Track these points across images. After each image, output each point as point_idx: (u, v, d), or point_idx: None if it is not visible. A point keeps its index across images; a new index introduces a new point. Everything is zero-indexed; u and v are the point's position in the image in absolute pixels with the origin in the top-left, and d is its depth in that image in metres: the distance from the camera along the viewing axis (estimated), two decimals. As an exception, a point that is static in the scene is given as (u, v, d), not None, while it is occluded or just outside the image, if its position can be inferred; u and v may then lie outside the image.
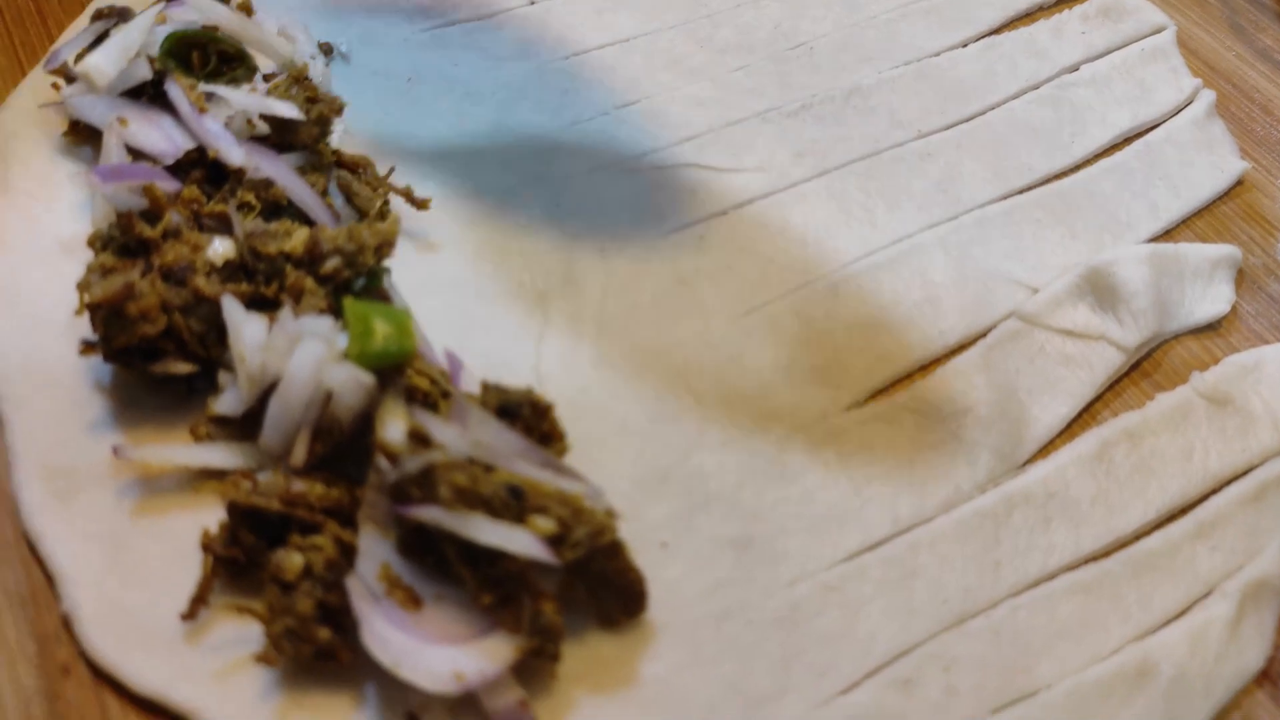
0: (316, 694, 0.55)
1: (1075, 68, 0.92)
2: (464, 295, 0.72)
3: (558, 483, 0.56)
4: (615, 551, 0.57)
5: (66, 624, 0.57)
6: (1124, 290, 0.74)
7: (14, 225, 0.71)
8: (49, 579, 0.58)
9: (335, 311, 0.61)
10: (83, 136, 0.74)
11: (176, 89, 0.69)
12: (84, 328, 0.63)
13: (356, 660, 0.54)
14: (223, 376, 0.61)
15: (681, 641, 0.58)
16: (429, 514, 0.53)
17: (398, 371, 0.58)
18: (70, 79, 0.73)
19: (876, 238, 0.78)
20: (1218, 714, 0.59)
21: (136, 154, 0.69)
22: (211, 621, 0.56)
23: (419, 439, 0.56)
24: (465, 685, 0.52)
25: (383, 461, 0.55)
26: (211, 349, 0.62)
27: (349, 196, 0.72)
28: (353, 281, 0.63)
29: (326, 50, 0.82)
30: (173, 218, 0.63)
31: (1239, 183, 0.86)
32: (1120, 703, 0.58)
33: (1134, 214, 0.82)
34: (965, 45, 0.94)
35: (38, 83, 0.78)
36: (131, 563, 0.58)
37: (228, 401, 0.60)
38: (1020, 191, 0.83)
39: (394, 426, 0.56)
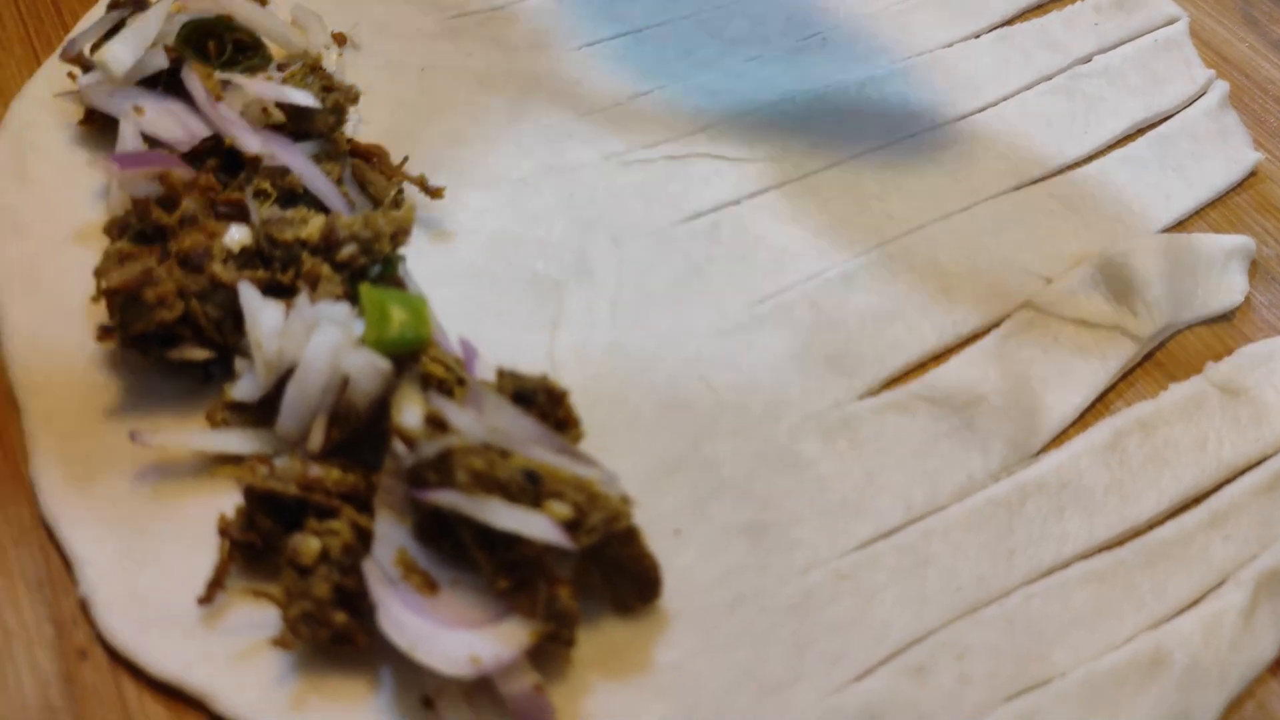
0: (333, 678, 0.55)
1: (1088, 59, 0.92)
2: (478, 284, 0.72)
3: (573, 468, 0.56)
4: (630, 537, 0.57)
5: (84, 608, 0.57)
6: (1138, 280, 0.74)
7: (31, 213, 0.71)
8: (66, 563, 0.58)
9: (351, 299, 0.61)
10: (98, 125, 0.74)
11: (193, 77, 0.69)
12: (100, 314, 0.64)
13: (372, 644, 0.54)
14: (239, 363, 0.61)
15: (695, 628, 0.59)
16: (446, 498, 0.53)
17: (413, 358, 0.59)
18: (86, 68, 0.73)
19: (890, 228, 0.78)
20: (1231, 703, 0.59)
21: (152, 142, 0.69)
22: (228, 606, 0.57)
23: (435, 424, 0.56)
24: (481, 669, 0.52)
25: (399, 446, 0.55)
26: (228, 335, 0.62)
27: (363, 185, 0.72)
28: (368, 269, 0.64)
29: (340, 40, 0.82)
30: (189, 205, 0.63)
31: (1252, 174, 0.86)
32: (1134, 691, 0.58)
33: (1147, 204, 0.82)
34: (978, 36, 0.93)
35: (53, 72, 0.78)
36: (148, 547, 0.58)
37: (244, 387, 0.60)
38: (1034, 182, 0.83)
39: (410, 411, 0.56)
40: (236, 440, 0.60)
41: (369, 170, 0.72)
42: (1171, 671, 0.58)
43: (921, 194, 0.81)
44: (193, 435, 0.61)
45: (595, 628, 0.58)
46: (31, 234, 0.70)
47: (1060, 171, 0.84)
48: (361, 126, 0.78)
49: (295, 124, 0.70)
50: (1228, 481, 0.67)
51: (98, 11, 0.82)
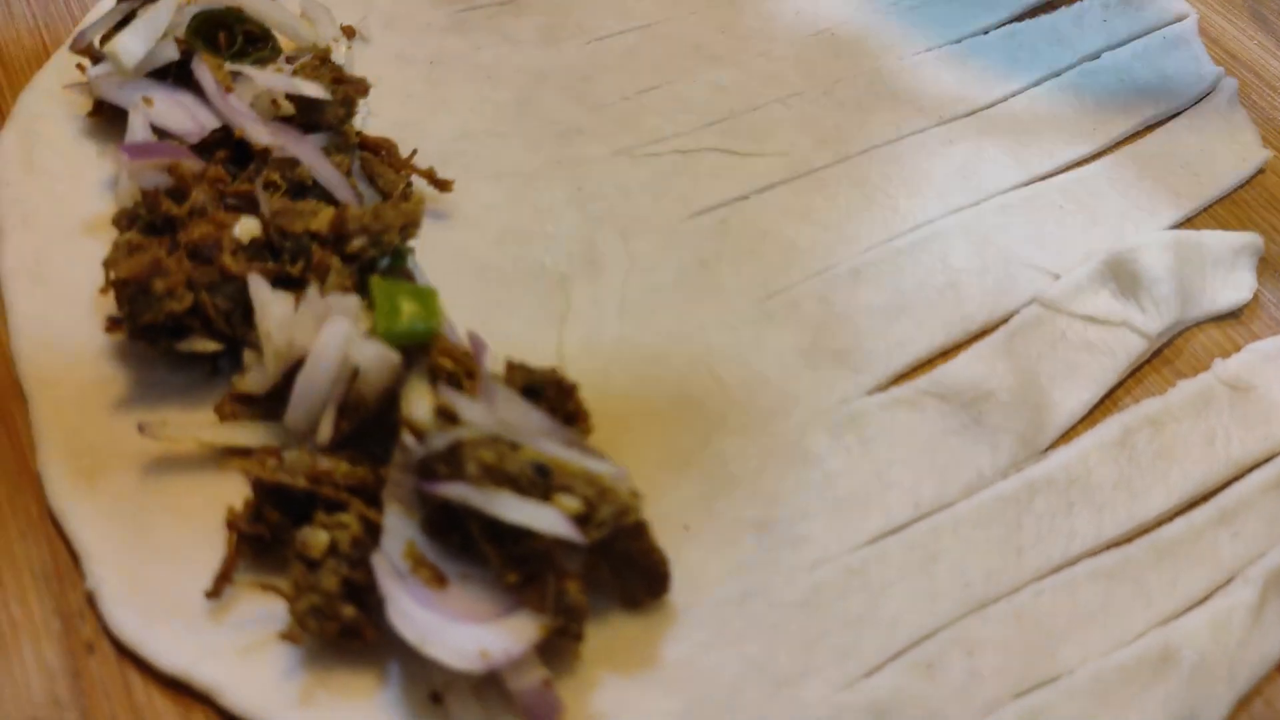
0: (340, 672, 0.55)
1: (1097, 55, 0.92)
2: (486, 277, 0.72)
3: (583, 462, 0.56)
4: (640, 532, 0.57)
5: (91, 601, 0.57)
6: (1146, 277, 0.74)
7: (39, 204, 0.71)
8: (73, 556, 0.58)
9: (360, 291, 0.61)
10: (107, 116, 0.74)
11: (203, 68, 0.69)
12: (109, 306, 0.63)
13: (380, 638, 0.54)
14: (247, 355, 0.61)
15: (704, 623, 0.58)
16: (456, 491, 0.53)
17: (423, 350, 0.58)
18: (96, 59, 0.73)
19: (898, 223, 0.78)
20: (1240, 700, 0.59)
21: (161, 133, 0.69)
22: (236, 599, 0.56)
23: (445, 416, 0.56)
24: (490, 663, 0.52)
25: (408, 439, 0.55)
26: (237, 327, 0.62)
27: (372, 178, 0.72)
28: (377, 261, 0.63)
29: (349, 32, 0.82)
30: (199, 196, 0.63)
31: (1261, 171, 0.86)
32: (1143, 688, 0.58)
33: (1156, 201, 0.82)
34: (987, 32, 0.93)
35: (62, 63, 0.78)
36: (155, 540, 0.58)
37: (253, 379, 0.60)
38: (1042, 178, 0.83)
39: (420, 403, 0.56)
40: (245, 433, 0.60)
41: (378, 163, 0.72)
42: (1180, 669, 0.58)
43: (930, 189, 0.80)
44: (201, 428, 0.60)
45: (604, 622, 0.57)
46: (40, 225, 0.70)
47: (1069, 168, 0.84)
48: (370, 119, 0.78)
49: (305, 116, 0.70)
50: (1236, 479, 0.67)
51: (107, 2, 0.82)
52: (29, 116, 0.76)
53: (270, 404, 0.60)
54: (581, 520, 0.54)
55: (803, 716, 0.56)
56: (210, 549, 0.57)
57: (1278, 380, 0.71)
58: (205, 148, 0.68)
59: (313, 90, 0.69)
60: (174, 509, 0.59)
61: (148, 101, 0.69)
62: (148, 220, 0.63)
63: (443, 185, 0.74)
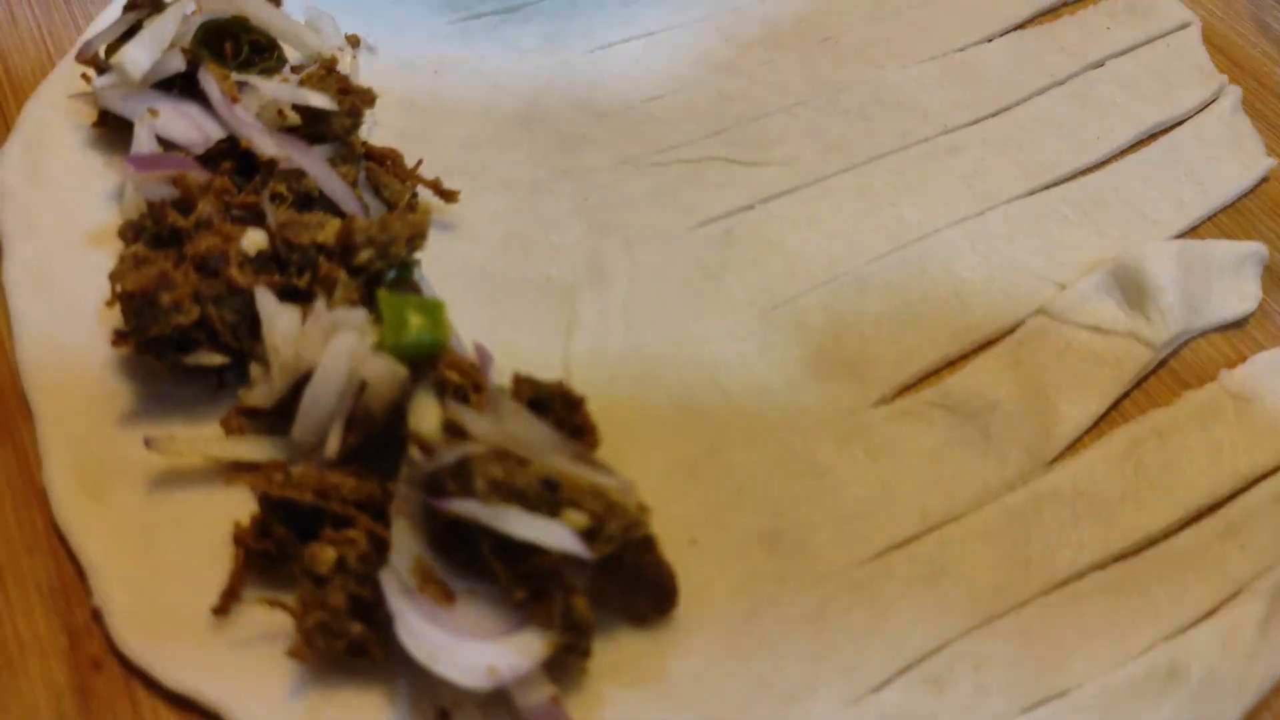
0: (347, 690, 0.55)
1: (1101, 64, 0.92)
2: (492, 288, 0.72)
3: (590, 476, 0.56)
4: (647, 546, 0.57)
5: (97, 618, 0.57)
6: (1151, 287, 0.74)
7: (45, 215, 0.71)
8: (80, 572, 0.58)
9: (367, 304, 0.61)
10: (112, 127, 0.74)
11: (209, 78, 0.69)
12: (115, 318, 0.63)
13: (388, 655, 0.54)
14: (254, 368, 0.61)
15: (712, 637, 0.58)
16: (465, 507, 0.53)
17: (430, 363, 0.58)
18: (101, 69, 0.73)
19: (904, 232, 0.78)
20: (1248, 715, 0.58)
21: (167, 144, 0.69)
22: (243, 615, 0.56)
23: (453, 431, 0.55)
24: (499, 681, 0.52)
25: (415, 454, 0.55)
26: (243, 340, 0.61)
27: (378, 188, 0.72)
28: (384, 273, 0.63)
29: (354, 42, 0.82)
30: (205, 208, 0.63)
31: (1265, 179, 0.86)
32: (1151, 703, 0.58)
33: (1160, 211, 0.82)
34: (991, 40, 0.93)
35: (67, 73, 0.78)
36: (162, 556, 0.58)
37: (259, 393, 0.60)
38: (1047, 187, 0.83)
39: (427, 417, 0.56)
40: (251, 447, 0.59)
41: (383, 173, 0.72)
42: (1188, 683, 0.58)
43: (935, 199, 0.80)
44: (208, 442, 0.60)
45: (611, 638, 0.57)
46: (45, 236, 0.70)
47: (1073, 177, 0.84)
48: (376, 129, 0.78)
49: (311, 126, 0.70)
50: (1243, 491, 0.67)
51: (112, 12, 0.82)
52: (34, 126, 0.75)
53: (277, 417, 0.60)
54: (589, 535, 0.54)
55: (811, 732, 0.55)
56: (217, 564, 0.57)
57: (1284, 391, 0.71)
58: (211, 159, 0.68)
59: (319, 101, 0.69)
60: (181, 524, 0.59)
61: (153, 113, 0.69)
62: (154, 232, 0.63)
63: (448, 196, 0.74)
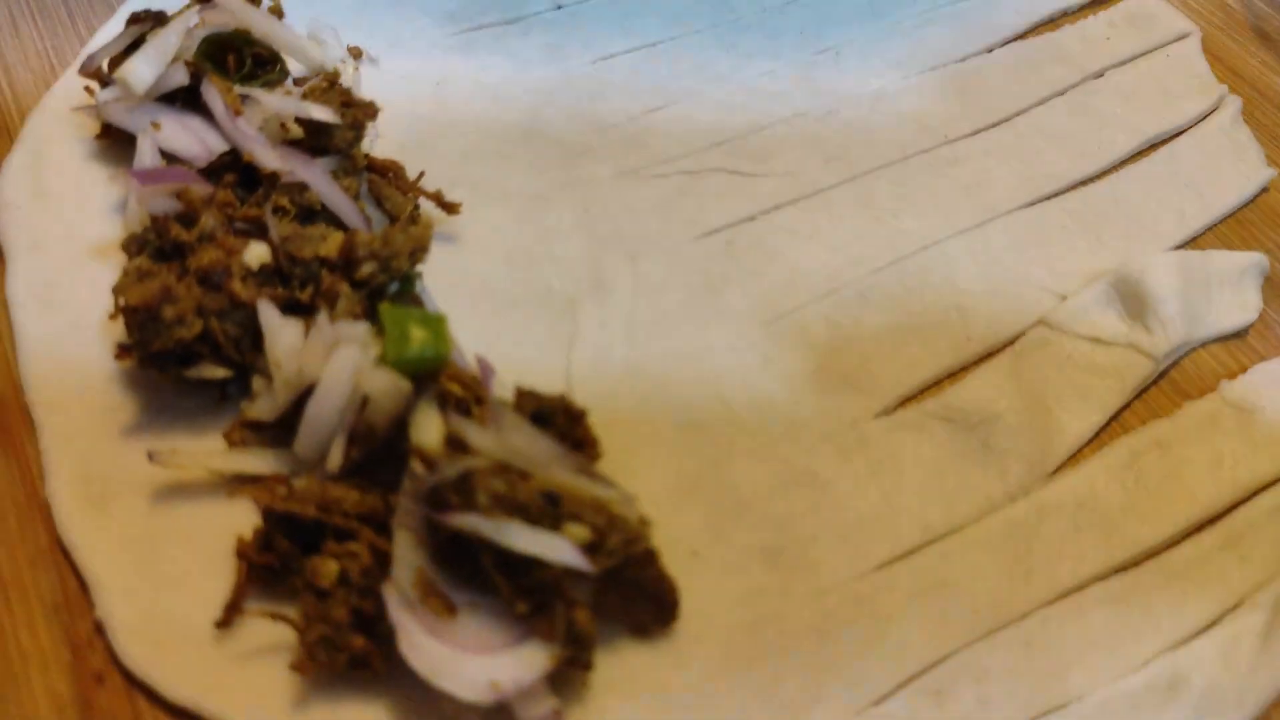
0: (350, 703, 0.54)
1: (1101, 74, 0.92)
2: (494, 300, 0.72)
3: (592, 489, 0.56)
4: (649, 560, 0.57)
5: (100, 631, 0.57)
6: (1152, 298, 0.74)
7: (47, 228, 0.71)
8: (83, 585, 0.58)
9: (369, 316, 0.61)
10: (115, 139, 0.74)
11: (212, 91, 0.69)
12: (118, 331, 0.63)
13: (390, 669, 0.54)
14: (257, 381, 0.61)
15: (713, 650, 0.58)
16: (467, 521, 0.53)
17: (432, 377, 0.58)
18: (104, 82, 0.73)
19: (904, 244, 0.78)
20: (1250, 726, 0.59)
21: (170, 157, 0.69)
22: (245, 629, 0.56)
23: (454, 444, 0.56)
24: (501, 695, 0.52)
25: (417, 467, 0.55)
26: (246, 353, 0.62)
27: (380, 200, 0.72)
28: (386, 286, 0.63)
29: (356, 54, 0.82)
30: (208, 221, 0.63)
31: (1265, 190, 0.86)
32: (1152, 714, 0.58)
33: (1161, 221, 0.82)
34: (991, 51, 0.94)
35: (70, 85, 0.78)
36: (165, 569, 0.58)
37: (262, 406, 0.60)
38: (1047, 198, 0.83)
39: (430, 431, 0.56)
40: (254, 460, 0.60)
41: (385, 185, 0.72)
42: (1190, 694, 0.58)
43: (935, 210, 0.81)
44: (210, 455, 0.60)
45: (612, 651, 0.57)
46: (48, 249, 0.70)
47: (1073, 187, 0.84)
48: (378, 141, 0.78)
49: (313, 139, 0.70)
50: (1244, 502, 0.67)
51: (115, 25, 0.82)
52: (37, 139, 0.75)
53: (279, 430, 0.60)
54: (591, 549, 0.54)
55: (813, 745, 0.56)
56: (220, 578, 0.57)
57: (1284, 401, 0.71)
58: (213, 171, 0.68)
59: (322, 114, 0.69)
60: (183, 537, 0.59)
61: (156, 126, 0.69)
62: (157, 246, 0.63)
63: (450, 208, 0.74)
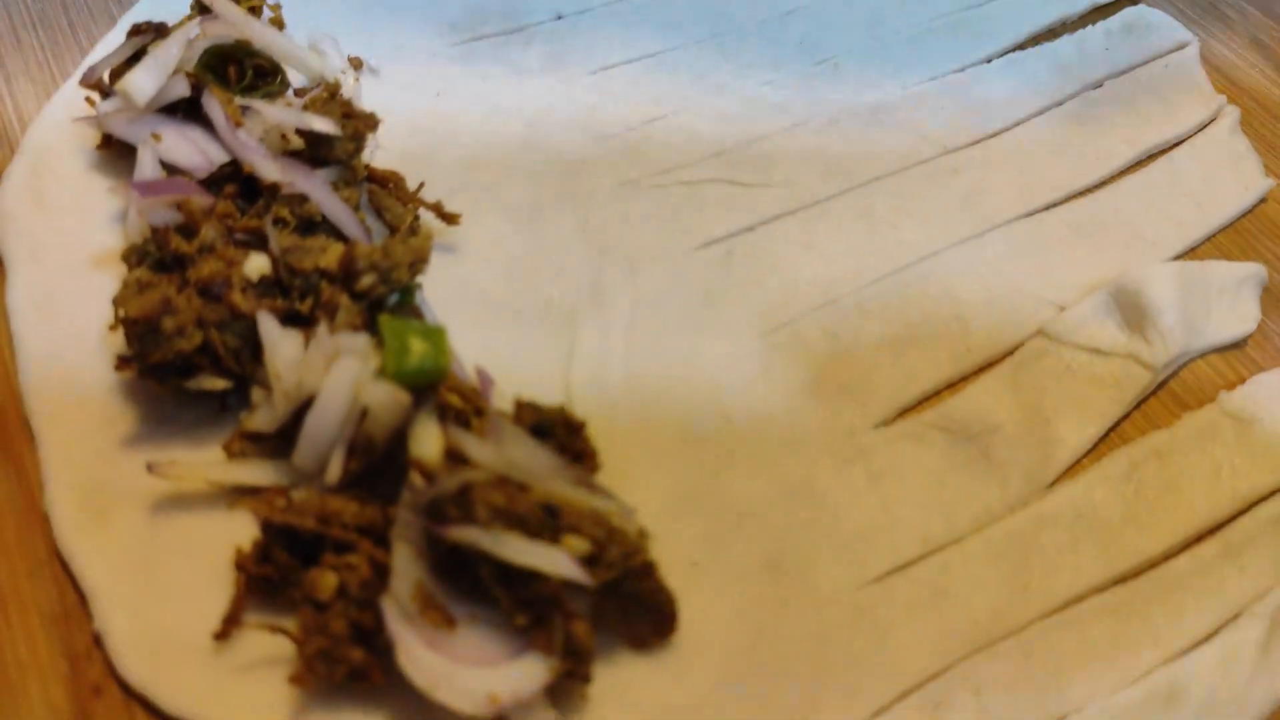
0: (349, 715, 0.54)
1: (1099, 84, 0.92)
2: (493, 311, 0.72)
3: (591, 501, 0.56)
4: (647, 572, 0.57)
5: (98, 643, 0.57)
6: (1151, 308, 0.74)
7: (47, 239, 0.71)
8: (81, 597, 0.58)
9: (369, 328, 0.61)
10: (116, 150, 0.74)
11: (213, 103, 0.69)
12: (118, 342, 0.64)
13: (389, 682, 0.54)
14: (256, 393, 0.61)
15: (712, 662, 0.58)
16: (466, 534, 0.53)
17: (432, 389, 0.58)
18: (105, 93, 0.73)
19: (903, 254, 0.78)
20: (1248, 738, 0.59)
21: (170, 169, 0.69)
22: (244, 641, 0.56)
23: (453, 456, 0.56)
24: (500, 707, 0.52)
25: (416, 480, 0.55)
26: (246, 365, 0.62)
27: (380, 211, 0.72)
28: (386, 298, 0.63)
29: (357, 64, 0.82)
30: (208, 233, 0.63)
31: (1263, 200, 0.86)
32: (1151, 726, 0.58)
33: (1159, 231, 0.82)
34: (989, 60, 0.94)
35: (71, 95, 0.78)
36: (164, 581, 0.58)
37: (261, 418, 0.60)
38: (1046, 208, 0.83)
39: (429, 443, 0.56)
40: (253, 472, 0.60)
41: (385, 196, 0.72)
42: (1188, 706, 0.58)
43: (934, 220, 0.81)
44: (209, 467, 0.60)
45: (611, 663, 0.57)
46: (48, 260, 0.70)
47: (1072, 197, 0.84)
48: (378, 151, 0.78)
49: (314, 150, 0.70)
50: (1242, 512, 0.67)
51: (116, 36, 0.82)
52: (38, 149, 0.76)
53: (279, 442, 0.60)
54: (590, 561, 0.54)
55: (812, 758, 0.56)
56: (219, 589, 0.57)
57: (1283, 412, 0.71)
58: (214, 182, 0.68)
59: (323, 125, 0.69)
60: (182, 549, 0.59)
61: (156, 137, 0.69)
62: (157, 257, 0.63)
63: (450, 219, 0.74)
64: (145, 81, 0.69)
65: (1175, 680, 0.59)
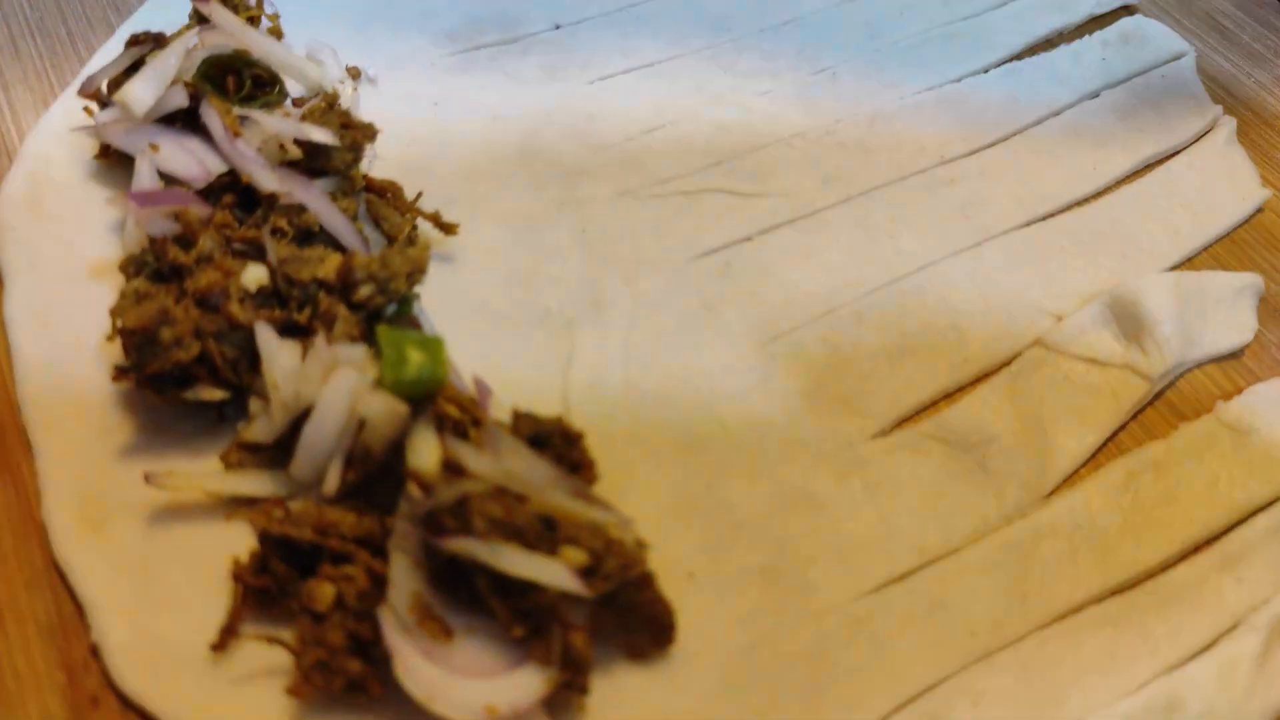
0: (346, 726, 0.55)
1: (1096, 94, 0.93)
2: (491, 321, 0.72)
3: (589, 512, 0.56)
4: (645, 583, 0.57)
5: (95, 654, 0.56)
6: (1148, 318, 0.74)
7: (45, 248, 0.71)
8: (78, 607, 0.58)
9: (366, 339, 0.61)
10: (114, 159, 0.74)
11: (212, 113, 0.69)
12: (115, 352, 0.63)
13: (386, 693, 0.54)
14: (254, 403, 0.61)
15: (709, 673, 0.58)
16: (463, 545, 0.53)
17: (429, 399, 0.58)
18: (103, 103, 0.73)
19: (901, 264, 0.78)
20: (1246, 749, 0.59)
21: (168, 179, 0.69)
22: (241, 652, 0.56)
23: (451, 467, 0.56)
24: (498, 719, 0.52)
25: (414, 491, 0.55)
26: (243, 376, 0.62)
27: (378, 221, 0.72)
28: (384, 308, 0.63)
29: (355, 74, 0.83)
30: (206, 243, 0.63)
31: (1260, 210, 0.86)
32: (1149, 737, 0.58)
33: (1156, 241, 0.82)
34: (986, 71, 0.94)
35: (69, 105, 0.78)
36: (161, 592, 0.58)
37: (259, 429, 0.60)
38: (1043, 218, 0.83)
39: (426, 454, 0.56)
40: (251, 482, 0.60)
41: (383, 206, 0.73)
42: (1186, 718, 0.58)
43: (932, 230, 0.81)
44: (207, 477, 0.60)
45: (609, 674, 0.57)
46: (46, 270, 0.70)
47: (1069, 208, 0.84)
48: (376, 161, 0.78)
49: (312, 160, 0.70)
50: (1240, 523, 0.67)
51: (114, 46, 0.82)
52: (36, 159, 0.76)
53: (277, 452, 0.60)
54: (588, 572, 0.54)
55: (809, 769, 0.56)
56: (216, 600, 0.57)
57: (1280, 423, 0.71)
58: (212, 193, 0.68)
59: (321, 135, 0.69)
60: (180, 559, 0.59)
61: (154, 147, 0.69)
62: (155, 267, 0.63)
63: (448, 229, 0.74)
64: (143, 91, 0.69)
65: (1173, 692, 0.59)
